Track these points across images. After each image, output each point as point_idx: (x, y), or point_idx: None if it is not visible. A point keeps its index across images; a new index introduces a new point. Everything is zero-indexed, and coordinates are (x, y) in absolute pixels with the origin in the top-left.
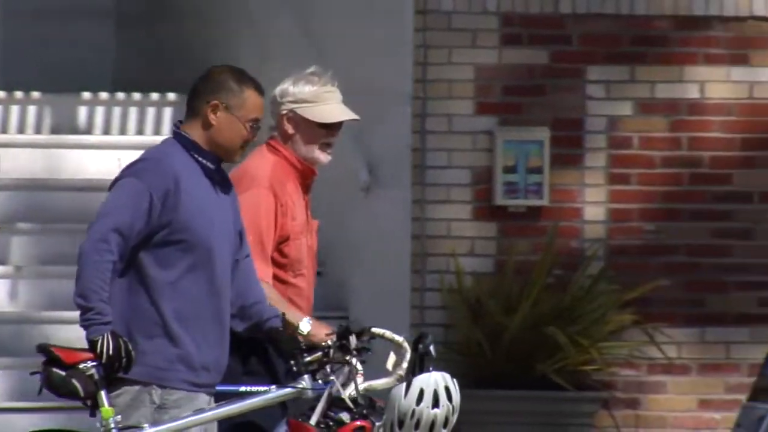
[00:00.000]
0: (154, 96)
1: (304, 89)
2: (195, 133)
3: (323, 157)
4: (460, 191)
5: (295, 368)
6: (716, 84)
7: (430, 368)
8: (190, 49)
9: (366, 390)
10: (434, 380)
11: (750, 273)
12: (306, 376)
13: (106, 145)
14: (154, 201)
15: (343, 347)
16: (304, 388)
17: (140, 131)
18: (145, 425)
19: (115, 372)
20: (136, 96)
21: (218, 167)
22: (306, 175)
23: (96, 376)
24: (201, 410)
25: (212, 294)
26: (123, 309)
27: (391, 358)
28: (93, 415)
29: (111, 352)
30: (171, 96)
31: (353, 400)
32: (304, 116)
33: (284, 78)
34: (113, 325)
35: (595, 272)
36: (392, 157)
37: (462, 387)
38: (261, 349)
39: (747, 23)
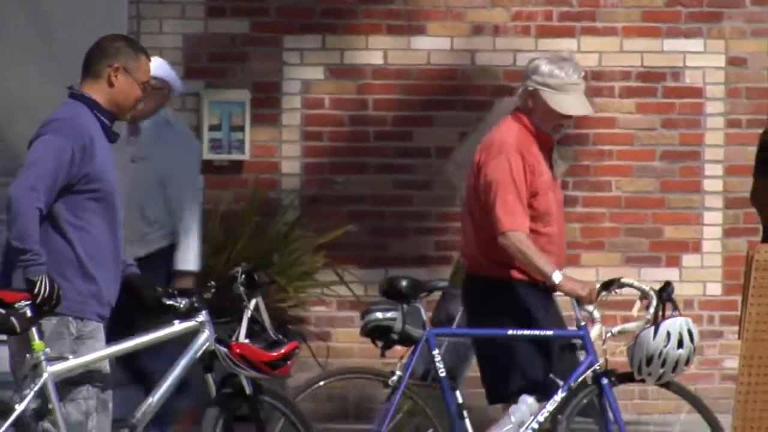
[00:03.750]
0: None
1: (553, 74)
2: (97, 94)
3: (554, 135)
4: None
5: (196, 304)
6: (398, 51)
7: (675, 314)
8: None
9: (620, 332)
10: (679, 324)
11: (428, 220)
12: (203, 312)
13: None
14: (75, 154)
15: (250, 283)
16: (203, 322)
17: None
18: (69, 356)
19: (44, 311)
20: None
21: (112, 125)
22: (543, 141)
23: (29, 314)
24: (116, 342)
25: (115, 238)
26: None
27: (637, 304)
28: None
29: (46, 293)
30: None
31: (268, 329)
32: (545, 100)
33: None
34: None
35: (291, 220)
36: None
37: None
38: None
39: None
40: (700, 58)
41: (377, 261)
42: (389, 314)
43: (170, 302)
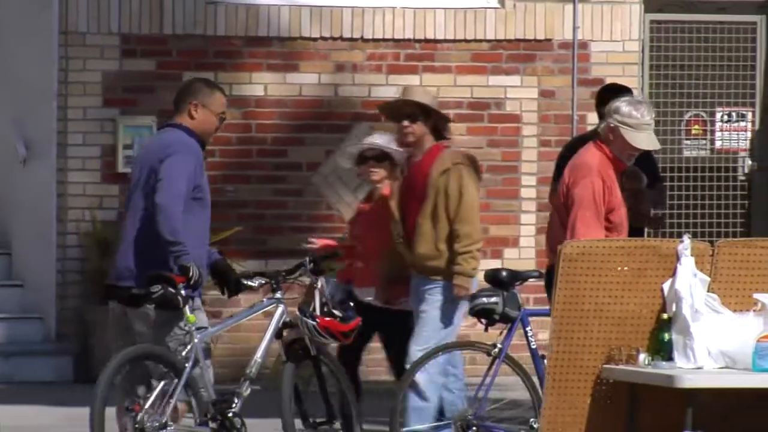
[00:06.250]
0: None
1: (632, 114)
2: (187, 124)
3: (627, 162)
4: (92, 162)
5: (274, 285)
6: (276, 85)
7: None
8: None
9: None
10: None
11: (300, 220)
12: (279, 291)
13: None
14: (196, 169)
15: (315, 270)
16: (280, 300)
17: None
18: (208, 326)
19: (193, 290)
20: None
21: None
22: (618, 167)
23: (183, 293)
24: (230, 317)
25: (206, 230)
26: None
27: None
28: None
29: (197, 275)
30: None
31: (329, 303)
32: (623, 135)
33: None
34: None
35: None
36: (43, 137)
37: (92, 304)
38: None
39: (297, 42)
40: (517, 91)
41: (259, 253)
42: (492, 299)
43: (247, 282)
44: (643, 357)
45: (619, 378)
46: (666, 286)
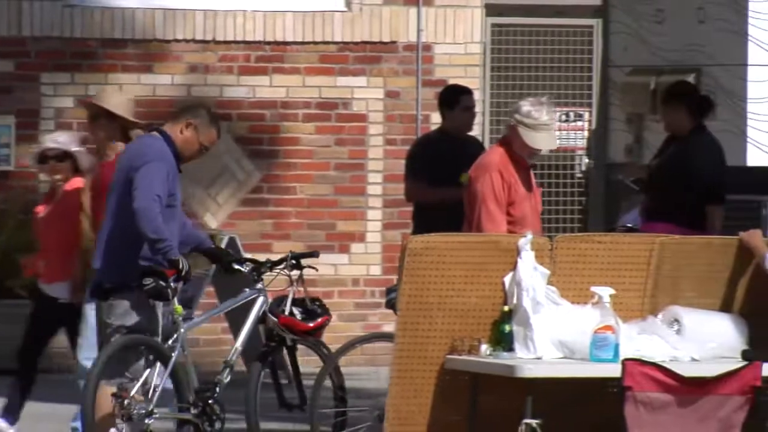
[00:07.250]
0: None
1: (531, 114)
2: (173, 135)
3: (528, 159)
4: None
5: (256, 276)
6: (131, 86)
7: None
8: None
9: None
10: None
11: None
12: (261, 282)
13: None
14: (170, 176)
15: (297, 265)
16: (262, 290)
17: None
18: (193, 316)
19: (183, 282)
20: None
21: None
22: (519, 163)
23: (173, 285)
24: (214, 308)
25: (176, 230)
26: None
27: None
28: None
29: (187, 267)
30: None
31: (306, 300)
32: (521, 134)
33: None
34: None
35: None
36: None
37: None
38: None
39: (151, 44)
40: (364, 91)
41: None
42: None
43: (238, 267)
44: (484, 348)
45: (462, 368)
46: (507, 280)
